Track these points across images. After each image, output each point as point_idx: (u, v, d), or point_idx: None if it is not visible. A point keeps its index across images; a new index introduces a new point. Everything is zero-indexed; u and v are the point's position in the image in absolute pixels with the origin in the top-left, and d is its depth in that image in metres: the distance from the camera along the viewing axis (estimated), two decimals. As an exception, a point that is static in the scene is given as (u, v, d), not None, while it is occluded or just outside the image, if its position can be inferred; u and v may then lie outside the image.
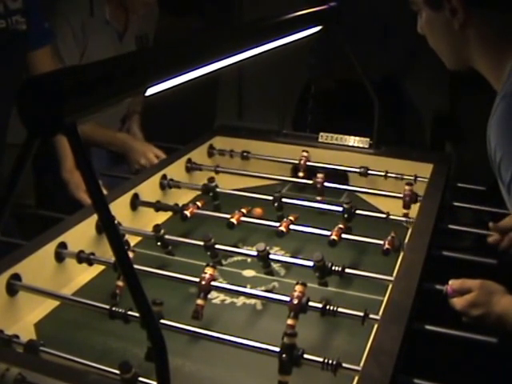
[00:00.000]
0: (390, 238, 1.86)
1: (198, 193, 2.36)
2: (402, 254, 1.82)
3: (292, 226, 1.95)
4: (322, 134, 2.62)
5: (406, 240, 1.89)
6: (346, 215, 2.08)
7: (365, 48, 3.39)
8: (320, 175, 2.37)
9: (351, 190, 2.42)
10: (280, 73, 2.73)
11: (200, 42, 1.28)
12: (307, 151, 2.53)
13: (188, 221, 2.08)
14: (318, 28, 2.15)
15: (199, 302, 1.58)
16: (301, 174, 2.49)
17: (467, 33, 1.50)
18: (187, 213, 2.05)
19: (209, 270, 1.61)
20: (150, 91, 1.10)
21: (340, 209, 2.10)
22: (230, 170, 2.52)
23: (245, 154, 2.61)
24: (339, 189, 2.41)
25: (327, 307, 1.50)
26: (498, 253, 1.93)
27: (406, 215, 2.16)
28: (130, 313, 1.48)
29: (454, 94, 4.03)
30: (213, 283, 1.60)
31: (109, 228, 0.91)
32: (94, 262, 1.79)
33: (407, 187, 2.23)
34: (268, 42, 1.65)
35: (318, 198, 2.34)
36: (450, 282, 1.66)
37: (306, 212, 2.16)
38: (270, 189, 2.34)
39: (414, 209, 2.14)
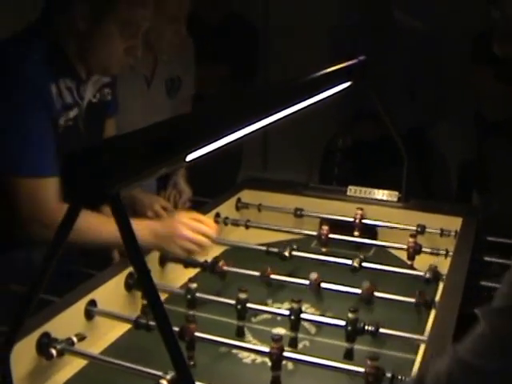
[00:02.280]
0: (419, 293, 1.85)
1: (227, 248, 2.36)
2: (433, 311, 1.81)
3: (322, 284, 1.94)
4: (350, 187, 2.62)
5: (437, 296, 1.87)
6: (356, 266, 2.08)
7: (392, 101, 3.42)
8: (325, 227, 2.36)
9: (380, 244, 2.41)
10: (306, 124, 2.74)
11: (235, 107, 1.29)
12: (362, 208, 2.49)
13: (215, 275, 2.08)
14: (348, 84, 2.15)
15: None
16: (356, 233, 2.44)
17: None
18: (219, 268, 2.04)
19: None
20: (190, 157, 1.11)
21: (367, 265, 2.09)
22: (258, 225, 2.51)
23: (272, 207, 2.60)
24: (367, 244, 2.41)
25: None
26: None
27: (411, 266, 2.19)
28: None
29: (480, 142, 4.03)
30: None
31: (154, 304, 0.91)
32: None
33: (411, 239, 2.23)
34: (300, 102, 1.65)
35: (323, 250, 2.33)
36: None
37: (334, 267, 2.15)
38: (298, 243, 2.32)
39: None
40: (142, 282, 0.90)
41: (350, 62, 2.20)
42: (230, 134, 1.23)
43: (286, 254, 2.18)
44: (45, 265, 0.95)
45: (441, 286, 2.01)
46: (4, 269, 2.06)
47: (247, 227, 2.49)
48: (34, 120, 1.93)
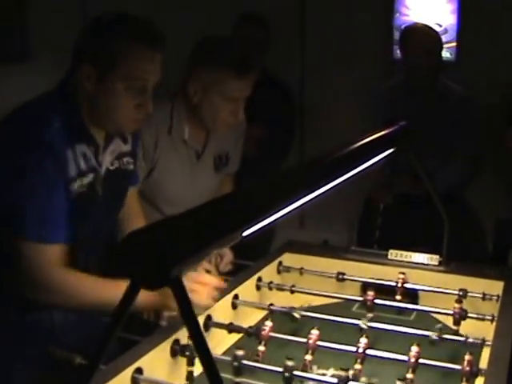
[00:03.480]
0: (467, 360, 1.84)
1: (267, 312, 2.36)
2: (479, 379, 1.80)
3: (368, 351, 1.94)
4: (391, 251, 2.63)
5: (482, 363, 1.87)
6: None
7: (430, 165, 3.47)
8: (370, 292, 2.35)
9: (422, 309, 2.40)
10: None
11: (284, 183, 1.33)
12: (404, 273, 2.49)
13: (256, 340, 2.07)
14: (391, 150, 2.18)
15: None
16: (398, 298, 2.43)
17: None
18: (263, 335, 2.05)
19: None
20: (247, 232, 1.14)
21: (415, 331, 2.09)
22: (301, 289, 2.51)
23: (314, 271, 2.61)
24: (407, 308, 2.40)
25: None
26: None
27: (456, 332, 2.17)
28: None
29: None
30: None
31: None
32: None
33: (457, 305, 2.22)
34: (345, 174, 1.69)
35: (370, 315, 2.28)
36: None
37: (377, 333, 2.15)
38: (340, 307, 2.37)
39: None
40: (204, 365, 0.92)
41: (391, 129, 2.23)
42: (281, 209, 1.26)
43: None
44: (104, 340, 0.97)
45: (484, 352, 2.01)
46: (28, 330, 2.10)
47: (292, 292, 2.48)
48: (48, 185, 1.96)
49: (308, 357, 1.96)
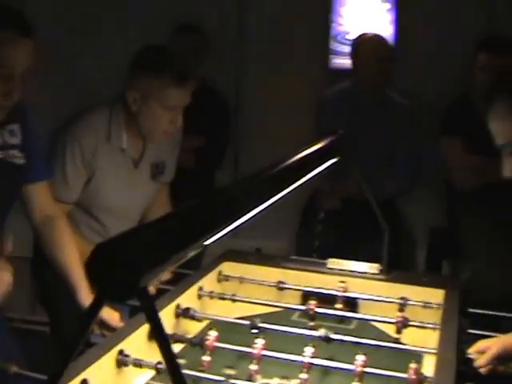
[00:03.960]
0: (414, 369, 1.85)
1: (208, 322, 2.34)
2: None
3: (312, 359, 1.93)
4: (330, 260, 2.64)
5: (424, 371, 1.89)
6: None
7: (369, 174, 3.50)
8: (312, 302, 2.35)
9: (363, 318, 2.40)
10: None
11: (234, 195, 1.34)
12: (344, 281, 2.50)
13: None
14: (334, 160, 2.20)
15: None
16: (339, 306, 2.43)
17: None
18: (208, 345, 2.03)
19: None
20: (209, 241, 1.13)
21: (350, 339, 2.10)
22: (242, 298, 2.50)
23: (254, 280, 2.60)
24: (348, 317, 2.40)
25: None
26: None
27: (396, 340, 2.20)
28: None
29: (451, 210, 4.10)
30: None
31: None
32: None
33: (399, 313, 2.26)
34: (294, 183, 1.70)
35: (311, 324, 2.31)
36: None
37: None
38: (280, 316, 2.36)
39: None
40: (172, 375, 0.90)
41: (332, 138, 2.25)
42: (240, 218, 1.26)
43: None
44: (67, 354, 0.94)
45: (426, 360, 2.03)
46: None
47: (233, 301, 2.47)
48: None
49: (253, 366, 1.95)
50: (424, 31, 4.47)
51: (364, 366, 1.87)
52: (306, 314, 2.36)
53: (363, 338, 2.11)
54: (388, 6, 4.55)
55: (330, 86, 4.17)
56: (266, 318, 2.33)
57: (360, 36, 4.07)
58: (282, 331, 2.18)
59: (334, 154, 2.25)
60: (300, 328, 2.20)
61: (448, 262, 4.14)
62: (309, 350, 1.94)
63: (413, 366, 1.86)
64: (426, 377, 1.84)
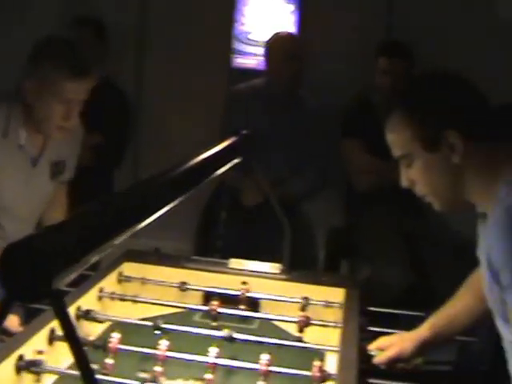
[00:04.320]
0: (318, 366, 1.88)
1: (110, 323, 2.31)
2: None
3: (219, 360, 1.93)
4: (232, 260, 2.64)
5: (329, 368, 1.91)
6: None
7: (280, 175, 3.55)
8: (215, 302, 2.35)
9: (265, 317, 2.41)
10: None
11: (139, 195, 1.34)
12: (245, 282, 2.50)
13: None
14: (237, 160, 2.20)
15: None
16: (241, 306, 2.43)
17: (463, 166, 1.65)
18: (111, 347, 2.00)
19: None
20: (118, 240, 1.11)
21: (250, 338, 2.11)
22: (140, 299, 2.46)
23: (154, 280, 2.57)
24: (250, 316, 2.41)
25: None
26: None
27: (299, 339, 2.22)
28: None
29: (349, 210, 4.17)
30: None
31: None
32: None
33: (301, 312, 2.28)
34: (194, 186, 1.70)
35: (214, 324, 2.31)
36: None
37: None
38: (182, 316, 2.35)
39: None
40: (84, 379, 0.88)
41: (236, 139, 2.25)
42: (147, 218, 1.26)
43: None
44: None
45: (328, 358, 2.06)
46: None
47: (134, 302, 2.43)
48: None
49: (157, 368, 1.93)
50: (326, 33, 4.51)
51: (268, 365, 1.88)
52: (208, 315, 2.35)
53: (266, 337, 2.12)
54: (292, 7, 4.58)
55: (232, 85, 4.17)
56: (168, 318, 2.32)
57: (273, 34, 4.07)
58: (185, 332, 2.17)
59: (238, 154, 2.26)
60: (203, 328, 2.20)
61: (346, 262, 4.21)
62: (213, 351, 1.94)
63: (316, 363, 1.89)
64: (329, 374, 1.87)
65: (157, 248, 2.82)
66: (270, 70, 4.02)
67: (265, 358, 1.90)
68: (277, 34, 4.09)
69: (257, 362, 1.90)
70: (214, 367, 1.92)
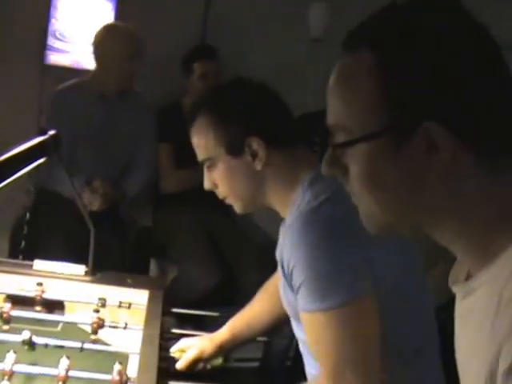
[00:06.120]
0: (117, 370, 1.88)
1: None
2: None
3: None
4: (36, 261, 2.58)
5: (132, 371, 1.92)
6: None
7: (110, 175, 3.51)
8: (7, 304, 2.26)
9: (60, 320, 2.36)
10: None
11: None
12: (41, 283, 2.43)
13: None
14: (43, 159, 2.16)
15: None
16: (38, 308, 2.36)
17: (264, 172, 1.68)
18: None
19: None
20: None
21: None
22: None
23: None
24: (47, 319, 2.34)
25: None
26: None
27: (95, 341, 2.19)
28: None
29: (156, 209, 4.18)
30: None
31: None
32: None
33: (94, 314, 2.26)
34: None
35: (6, 327, 2.21)
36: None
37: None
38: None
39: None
40: None
41: (42, 138, 2.21)
42: None
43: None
44: None
45: (132, 360, 2.06)
46: None
47: None
48: None
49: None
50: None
51: (68, 370, 1.86)
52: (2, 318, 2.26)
53: (68, 340, 2.09)
54: (110, 5, 4.47)
55: (46, 82, 4.05)
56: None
57: (106, 28, 3.83)
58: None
59: (44, 153, 2.22)
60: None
61: (155, 262, 4.21)
62: (10, 357, 1.88)
63: (116, 367, 1.89)
64: (129, 377, 1.87)
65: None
66: (101, 67, 3.81)
67: (64, 362, 1.87)
68: (111, 27, 3.88)
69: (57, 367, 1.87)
70: (11, 374, 1.85)
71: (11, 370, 1.85)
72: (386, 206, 1.02)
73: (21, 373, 1.90)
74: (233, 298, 3.52)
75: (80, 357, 2.03)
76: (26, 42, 4.43)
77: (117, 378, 1.85)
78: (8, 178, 1.80)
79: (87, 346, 2.08)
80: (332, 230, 1.61)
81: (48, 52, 4.40)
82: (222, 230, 3.96)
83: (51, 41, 4.40)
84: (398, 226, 1.06)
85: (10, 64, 4.39)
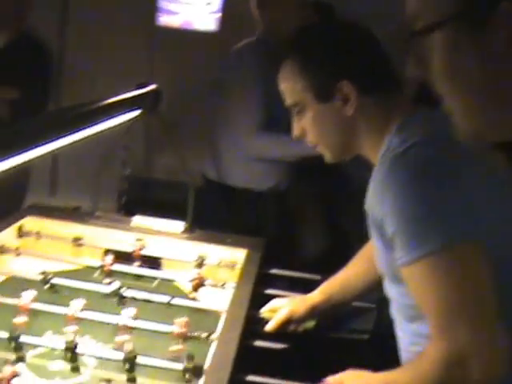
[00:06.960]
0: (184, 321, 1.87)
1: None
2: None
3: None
4: (136, 216, 2.58)
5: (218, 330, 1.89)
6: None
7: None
8: (108, 257, 2.31)
9: (164, 277, 2.36)
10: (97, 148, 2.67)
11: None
12: (141, 239, 2.45)
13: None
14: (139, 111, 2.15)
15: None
16: (137, 264, 2.39)
17: (355, 118, 1.59)
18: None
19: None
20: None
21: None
22: (36, 254, 2.41)
23: (51, 236, 2.51)
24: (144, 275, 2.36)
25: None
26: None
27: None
28: None
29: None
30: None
31: None
32: None
33: (195, 271, 2.25)
34: (90, 127, 1.64)
35: (107, 281, 2.24)
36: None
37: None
38: (82, 273, 2.29)
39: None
40: None
41: (142, 91, 2.19)
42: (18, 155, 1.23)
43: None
44: None
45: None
46: None
47: (33, 256, 2.37)
48: None
49: (71, 328, 1.83)
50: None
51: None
52: (103, 271, 2.30)
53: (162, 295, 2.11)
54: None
55: (158, 43, 4.07)
56: (68, 275, 2.27)
57: None
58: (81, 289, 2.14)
59: (142, 105, 2.21)
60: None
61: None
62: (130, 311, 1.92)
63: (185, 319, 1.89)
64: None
65: (77, 207, 2.76)
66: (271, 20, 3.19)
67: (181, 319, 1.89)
68: None
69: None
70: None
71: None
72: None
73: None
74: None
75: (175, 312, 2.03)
76: (138, 3, 4.48)
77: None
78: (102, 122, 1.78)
79: (176, 301, 2.07)
80: (423, 167, 1.42)
81: (159, 14, 4.44)
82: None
83: (161, 2, 4.43)
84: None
85: (121, 26, 4.46)
